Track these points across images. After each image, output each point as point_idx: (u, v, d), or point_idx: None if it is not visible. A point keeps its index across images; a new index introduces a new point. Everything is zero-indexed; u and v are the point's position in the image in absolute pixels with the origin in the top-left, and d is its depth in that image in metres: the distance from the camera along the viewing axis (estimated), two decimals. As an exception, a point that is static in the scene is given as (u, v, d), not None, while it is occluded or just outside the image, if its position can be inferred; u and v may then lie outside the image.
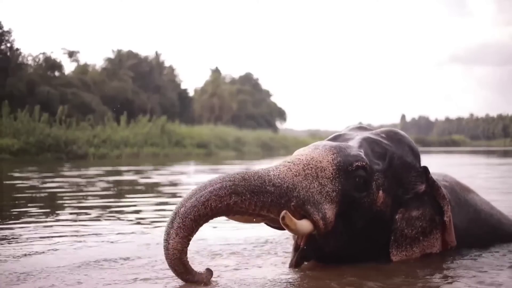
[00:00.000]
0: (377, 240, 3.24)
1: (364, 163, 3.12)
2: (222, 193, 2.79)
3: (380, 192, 3.19)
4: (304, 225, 2.95)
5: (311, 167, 3.04)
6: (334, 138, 3.50)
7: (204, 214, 2.77)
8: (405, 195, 3.30)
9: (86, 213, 5.92)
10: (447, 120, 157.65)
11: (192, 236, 2.79)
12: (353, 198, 3.10)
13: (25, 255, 3.70)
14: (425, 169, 3.39)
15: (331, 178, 3.05)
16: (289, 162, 3.07)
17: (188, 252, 2.78)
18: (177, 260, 2.78)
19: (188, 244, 2.78)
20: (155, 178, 12.30)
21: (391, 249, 3.24)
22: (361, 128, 3.66)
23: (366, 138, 3.36)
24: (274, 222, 2.99)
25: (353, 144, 3.30)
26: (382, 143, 3.34)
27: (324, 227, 3.02)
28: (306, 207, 2.96)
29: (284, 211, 2.84)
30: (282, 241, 4.13)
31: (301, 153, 3.16)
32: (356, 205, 3.11)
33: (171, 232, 2.76)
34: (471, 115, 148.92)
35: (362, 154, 3.19)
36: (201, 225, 2.81)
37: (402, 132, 3.54)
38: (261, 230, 4.38)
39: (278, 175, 2.95)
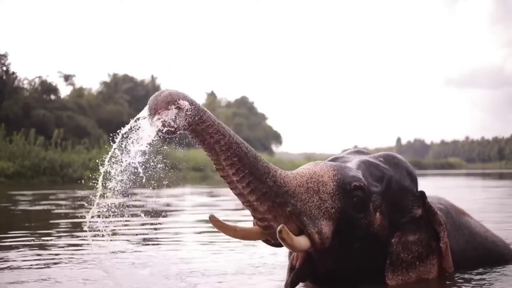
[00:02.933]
0: (373, 262, 3.22)
1: (362, 184, 3.13)
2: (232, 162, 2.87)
3: (377, 214, 3.19)
4: (301, 241, 2.94)
5: (313, 181, 3.04)
6: (333, 160, 3.50)
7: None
8: (401, 219, 3.29)
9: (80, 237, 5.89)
10: (443, 143, 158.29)
11: None
12: (351, 218, 3.09)
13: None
14: (422, 193, 3.40)
15: (332, 194, 3.05)
16: (293, 173, 3.07)
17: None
18: None
19: None
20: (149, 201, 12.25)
21: (387, 273, 3.22)
22: (358, 151, 3.67)
23: (364, 161, 3.37)
24: (273, 238, 2.98)
25: (352, 166, 3.31)
26: (380, 167, 3.35)
27: (320, 242, 2.99)
28: (302, 218, 2.96)
29: (282, 225, 2.83)
30: (279, 262, 4.12)
31: (303, 167, 3.17)
32: (353, 225, 3.10)
33: None
34: (467, 137, 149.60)
35: (360, 175, 3.20)
36: None
37: (399, 156, 3.55)
38: (258, 250, 4.39)
39: (284, 177, 2.96)
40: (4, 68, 39.48)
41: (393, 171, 3.37)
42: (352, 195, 3.09)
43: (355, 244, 3.14)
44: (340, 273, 3.20)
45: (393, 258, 3.23)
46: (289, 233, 2.85)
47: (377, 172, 3.31)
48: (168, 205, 11.23)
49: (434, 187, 17.97)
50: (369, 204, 3.15)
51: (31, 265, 4.22)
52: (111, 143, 2.87)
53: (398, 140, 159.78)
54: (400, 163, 3.47)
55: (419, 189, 3.43)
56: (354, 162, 3.37)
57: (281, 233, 2.82)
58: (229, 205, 10.66)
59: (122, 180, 2.90)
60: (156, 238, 5.90)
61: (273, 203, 2.89)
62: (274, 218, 2.91)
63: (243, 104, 73.05)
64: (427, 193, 3.44)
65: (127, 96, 50.98)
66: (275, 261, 4.20)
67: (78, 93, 48.54)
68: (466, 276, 3.54)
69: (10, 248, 5.08)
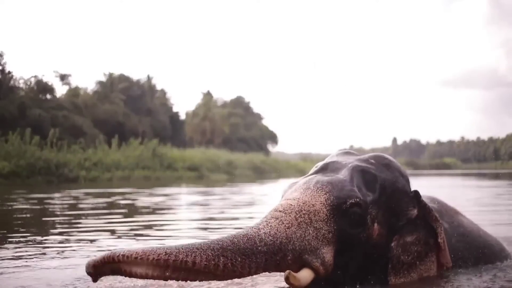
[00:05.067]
0: (374, 270, 3.19)
1: (358, 200, 3.08)
2: (210, 253, 2.74)
3: (375, 225, 3.15)
4: (307, 277, 2.90)
5: (303, 214, 3.00)
6: (323, 169, 3.43)
7: (187, 268, 2.71)
8: (399, 222, 3.25)
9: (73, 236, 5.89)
10: (438, 143, 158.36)
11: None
12: (349, 236, 3.05)
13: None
14: (416, 193, 3.37)
15: (326, 220, 3.01)
16: (280, 211, 3.02)
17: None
18: None
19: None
20: (146, 200, 12.26)
21: (390, 277, 3.19)
22: (348, 153, 3.61)
23: (356, 167, 3.29)
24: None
25: (344, 176, 3.24)
26: (372, 171, 3.30)
27: (324, 271, 2.98)
28: (304, 257, 2.92)
29: (288, 271, 2.79)
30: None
31: (292, 197, 3.11)
32: (352, 241, 3.07)
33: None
34: (462, 138, 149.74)
35: (355, 189, 3.14)
36: (181, 278, 2.75)
37: (389, 157, 3.51)
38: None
39: (269, 232, 2.90)
40: (0, 68, 39.38)
41: (386, 174, 3.33)
42: (349, 213, 3.05)
43: (356, 259, 3.11)
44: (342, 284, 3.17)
45: (394, 261, 3.20)
46: (295, 277, 2.80)
47: (370, 178, 3.26)
48: (163, 203, 11.23)
49: (429, 186, 18.00)
50: (367, 217, 3.12)
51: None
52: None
53: (394, 140, 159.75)
54: (390, 164, 3.43)
55: (414, 189, 3.40)
56: (345, 171, 3.30)
57: (288, 279, 2.79)
58: (224, 204, 10.68)
59: None
60: (151, 235, 5.90)
61: (275, 263, 2.86)
62: (281, 271, 2.89)
63: (239, 104, 73.03)
64: (421, 193, 3.42)
65: (123, 96, 50.89)
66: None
67: (74, 92, 48.42)
68: (459, 275, 3.53)
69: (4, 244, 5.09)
